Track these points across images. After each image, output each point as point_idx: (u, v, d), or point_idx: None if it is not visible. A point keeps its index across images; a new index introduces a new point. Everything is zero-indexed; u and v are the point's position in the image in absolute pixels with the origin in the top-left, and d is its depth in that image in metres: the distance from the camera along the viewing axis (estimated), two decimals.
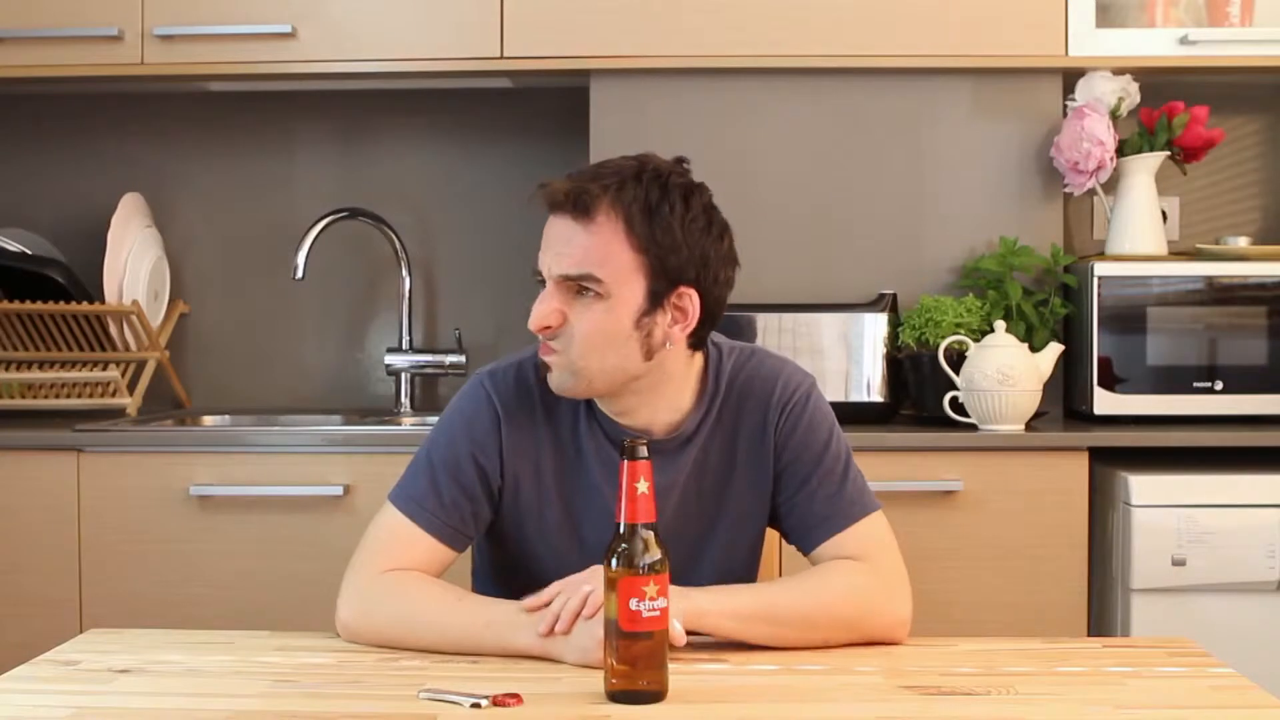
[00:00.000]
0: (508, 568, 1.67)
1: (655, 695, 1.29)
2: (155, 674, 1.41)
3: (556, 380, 1.55)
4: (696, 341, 1.58)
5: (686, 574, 1.53)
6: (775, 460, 1.63)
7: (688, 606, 1.44)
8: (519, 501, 1.61)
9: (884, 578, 1.58)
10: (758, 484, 1.64)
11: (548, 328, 1.51)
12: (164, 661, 1.45)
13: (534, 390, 1.61)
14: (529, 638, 1.44)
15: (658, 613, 1.28)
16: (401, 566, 1.56)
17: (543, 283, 1.53)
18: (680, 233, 1.51)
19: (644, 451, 1.29)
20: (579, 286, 1.50)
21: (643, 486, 1.29)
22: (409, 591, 1.53)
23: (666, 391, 1.59)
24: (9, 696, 1.33)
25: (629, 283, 1.50)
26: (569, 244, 1.50)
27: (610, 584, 1.29)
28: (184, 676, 1.40)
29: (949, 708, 1.30)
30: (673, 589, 1.36)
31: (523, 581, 1.58)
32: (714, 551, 1.64)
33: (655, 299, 1.51)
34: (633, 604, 1.27)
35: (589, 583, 1.42)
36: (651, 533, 1.29)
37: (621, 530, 1.29)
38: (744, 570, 1.66)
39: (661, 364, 1.55)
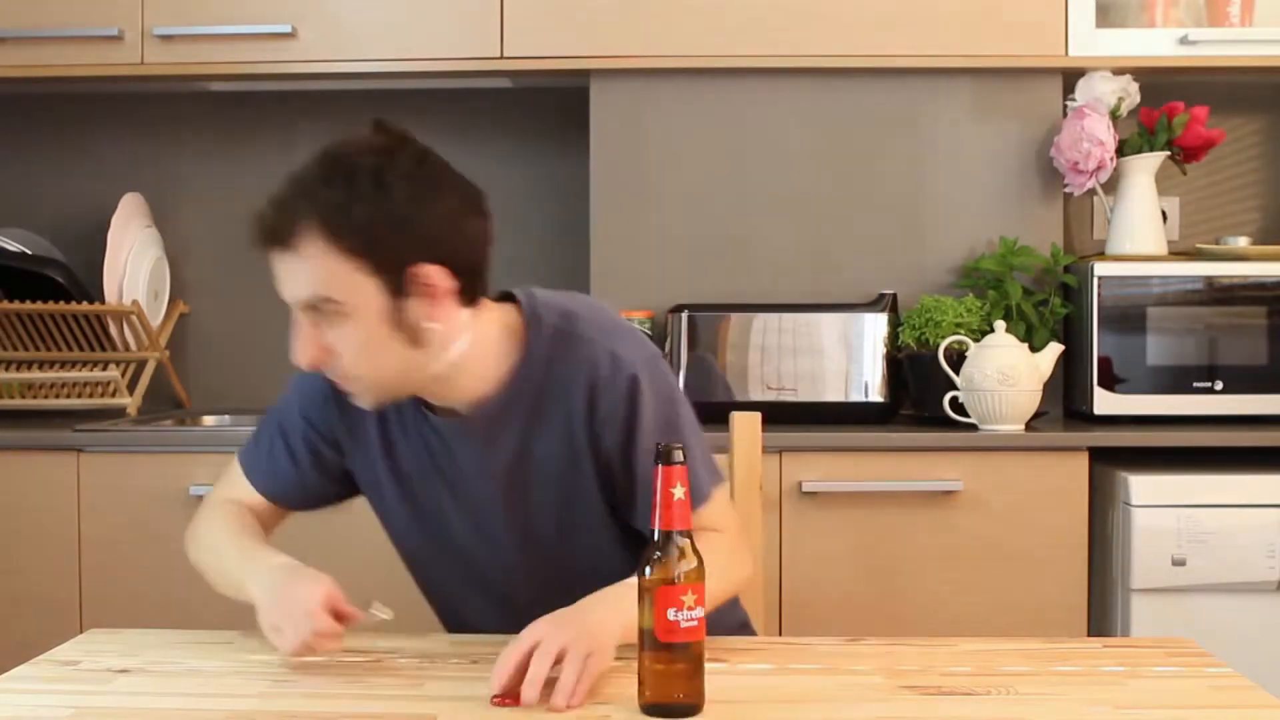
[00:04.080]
0: None
1: (691, 708, 1.26)
2: (155, 674, 1.41)
3: (360, 400, 1.52)
4: (469, 300, 1.48)
5: (561, 574, 1.54)
6: (605, 449, 1.53)
7: (593, 650, 1.33)
8: (359, 476, 1.64)
9: (739, 543, 1.59)
10: (591, 472, 1.55)
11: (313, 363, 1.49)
12: (164, 661, 1.45)
13: None
14: (254, 590, 1.49)
15: (695, 622, 1.24)
16: (241, 500, 1.67)
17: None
18: (384, 218, 1.41)
19: (680, 456, 1.25)
20: (318, 309, 1.44)
21: (678, 493, 1.25)
22: (214, 525, 1.64)
23: (470, 364, 1.51)
24: (9, 696, 1.33)
25: (360, 290, 1.41)
26: (289, 274, 1.44)
27: (645, 593, 1.25)
28: (184, 676, 1.40)
29: (949, 708, 1.30)
30: (556, 622, 1.34)
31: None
32: (578, 545, 1.58)
33: (395, 291, 1.42)
34: (670, 614, 1.23)
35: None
36: (687, 540, 1.25)
37: (656, 537, 1.25)
38: (618, 556, 1.57)
39: (450, 339, 1.48)
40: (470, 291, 1.48)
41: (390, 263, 1.41)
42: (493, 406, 1.53)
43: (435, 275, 1.43)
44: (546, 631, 1.33)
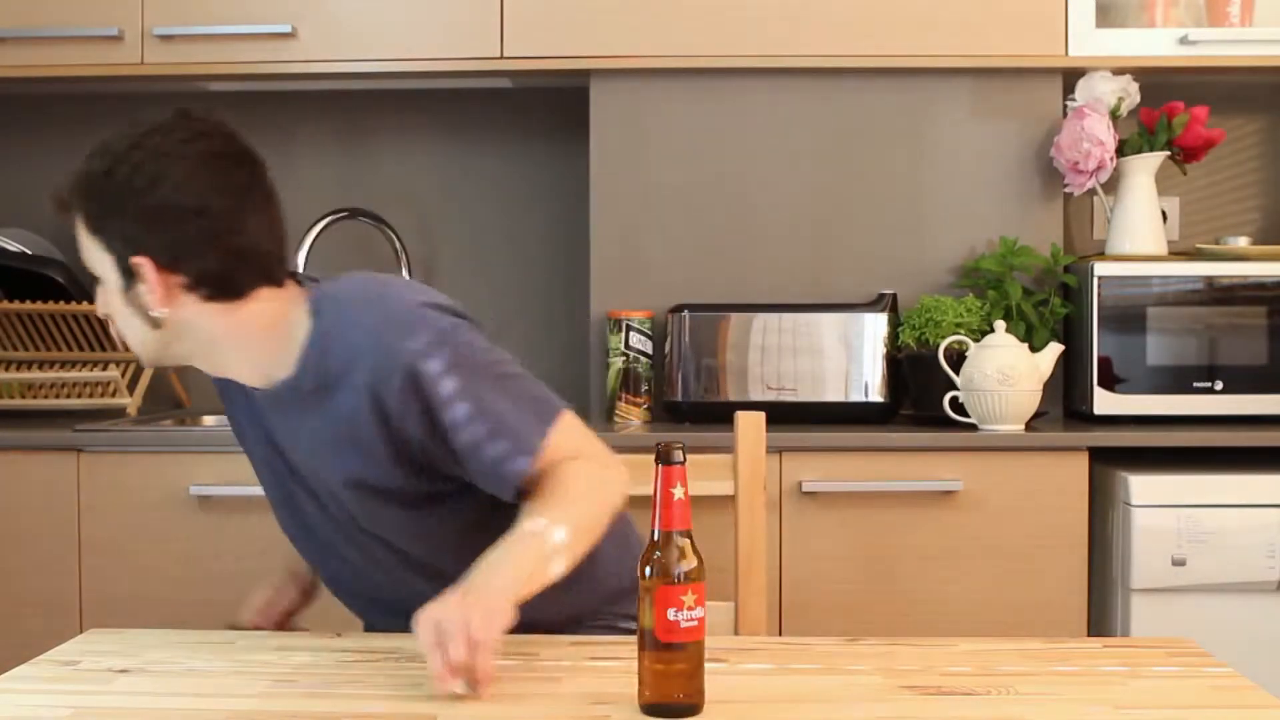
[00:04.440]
0: None
1: (691, 708, 1.26)
2: (155, 674, 1.41)
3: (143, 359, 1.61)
4: (214, 293, 1.51)
5: (428, 554, 1.58)
6: (414, 441, 1.51)
7: (486, 616, 1.33)
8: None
9: (606, 460, 1.57)
10: (392, 459, 1.52)
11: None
12: (164, 661, 1.45)
13: None
14: None
15: (695, 622, 1.25)
16: None
17: None
18: (109, 202, 1.48)
19: (680, 456, 1.25)
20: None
21: (679, 493, 1.25)
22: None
23: (243, 349, 1.56)
24: (9, 696, 1.33)
25: (101, 264, 1.51)
26: (81, 241, 1.53)
27: (645, 593, 1.25)
28: (184, 676, 1.40)
29: (948, 708, 1.30)
30: (445, 610, 1.32)
31: None
32: (428, 530, 1.58)
33: (124, 272, 1.49)
34: (670, 614, 1.24)
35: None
36: (687, 540, 1.25)
37: (656, 537, 1.25)
38: (480, 529, 1.53)
39: (189, 327, 1.52)
40: (215, 285, 1.51)
41: (114, 247, 1.49)
42: (284, 390, 1.56)
43: (148, 268, 1.48)
44: (441, 620, 1.32)
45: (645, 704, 1.26)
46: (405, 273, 2.99)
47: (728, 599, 1.80)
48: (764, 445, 1.83)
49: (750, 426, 1.84)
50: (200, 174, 1.50)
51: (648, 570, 1.25)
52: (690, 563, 1.25)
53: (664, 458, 1.25)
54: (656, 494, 1.26)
